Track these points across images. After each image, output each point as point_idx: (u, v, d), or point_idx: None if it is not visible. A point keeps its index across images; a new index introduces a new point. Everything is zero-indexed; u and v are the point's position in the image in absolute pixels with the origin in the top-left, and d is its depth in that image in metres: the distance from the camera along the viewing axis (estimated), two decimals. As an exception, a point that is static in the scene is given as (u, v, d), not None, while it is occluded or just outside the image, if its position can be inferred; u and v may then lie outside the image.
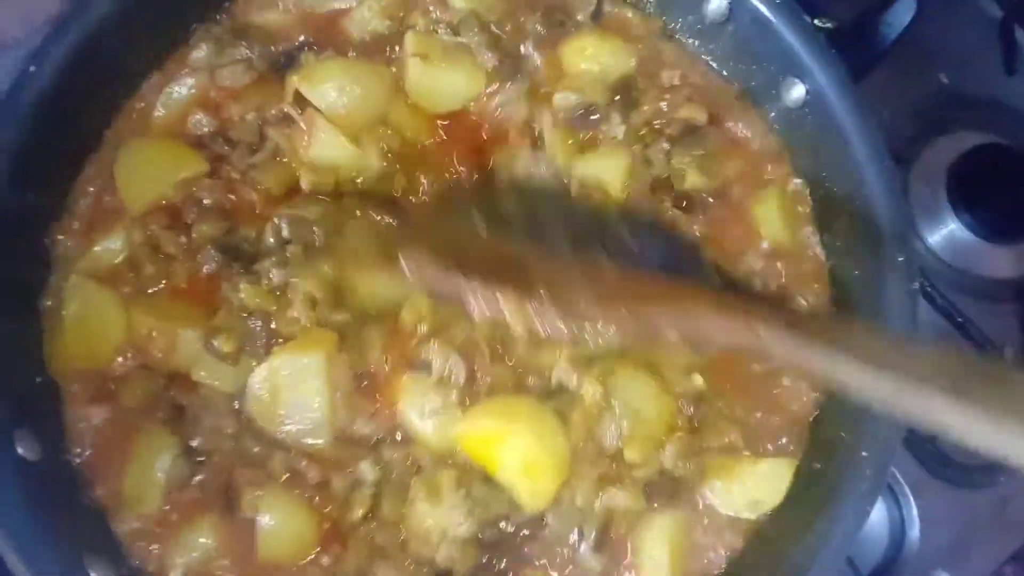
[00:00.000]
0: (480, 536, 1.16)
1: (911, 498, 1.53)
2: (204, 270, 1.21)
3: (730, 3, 1.42)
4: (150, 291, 1.21)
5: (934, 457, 1.55)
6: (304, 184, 1.25)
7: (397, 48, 1.37)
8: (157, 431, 1.15)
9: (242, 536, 1.14)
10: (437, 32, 1.37)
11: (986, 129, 1.71)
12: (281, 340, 1.17)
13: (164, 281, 1.22)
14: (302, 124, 1.26)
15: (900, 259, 1.29)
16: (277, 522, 1.13)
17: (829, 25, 1.47)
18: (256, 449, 1.16)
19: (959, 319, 1.63)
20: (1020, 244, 1.68)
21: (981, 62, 1.73)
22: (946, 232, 1.70)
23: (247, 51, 1.33)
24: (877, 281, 1.31)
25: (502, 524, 1.18)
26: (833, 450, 1.26)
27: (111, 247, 1.22)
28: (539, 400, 1.21)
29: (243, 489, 1.14)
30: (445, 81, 1.34)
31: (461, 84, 1.36)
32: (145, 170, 1.25)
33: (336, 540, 1.15)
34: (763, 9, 1.39)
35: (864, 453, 1.22)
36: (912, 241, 1.36)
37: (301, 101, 1.28)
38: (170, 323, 1.18)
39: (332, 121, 1.27)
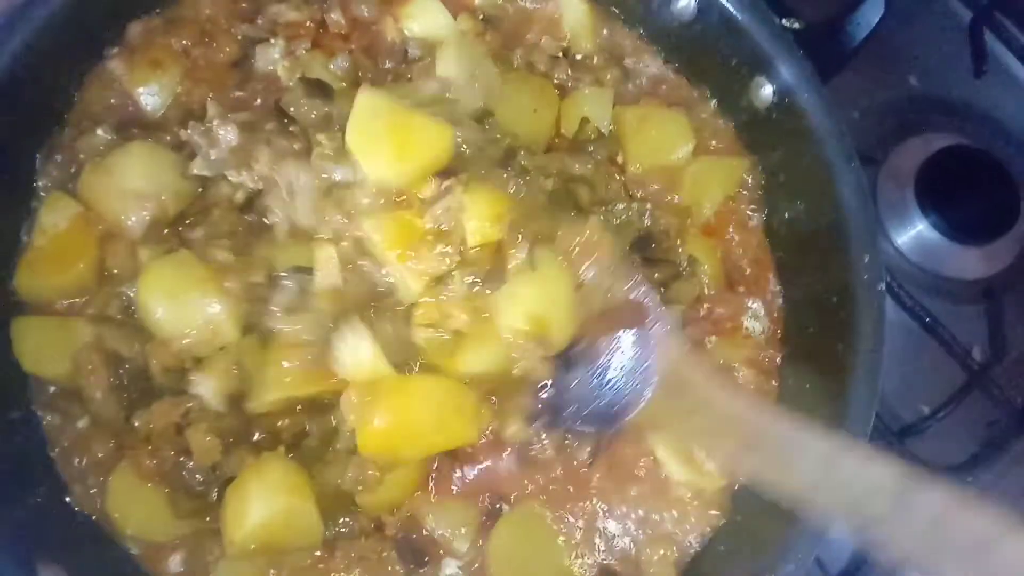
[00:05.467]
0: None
1: (880, 497, 1.52)
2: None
3: (698, 2, 1.42)
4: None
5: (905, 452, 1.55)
6: None
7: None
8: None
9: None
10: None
11: (954, 131, 1.72)
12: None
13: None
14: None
15: (866, 259, 1.31)
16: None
17: (797, 25, 1.46)
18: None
19: (927, 319, 1.64)
20: (987, 245, 1.70)
21: (950, 64, 1.73)
22: (914, 233, 1.71)
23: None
24: (844, 282, 1.32)
25: None
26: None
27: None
28: None
29: None
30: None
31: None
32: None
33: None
34: (731, 8, 1.39)
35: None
36: (878, 241, 1.35)
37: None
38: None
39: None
